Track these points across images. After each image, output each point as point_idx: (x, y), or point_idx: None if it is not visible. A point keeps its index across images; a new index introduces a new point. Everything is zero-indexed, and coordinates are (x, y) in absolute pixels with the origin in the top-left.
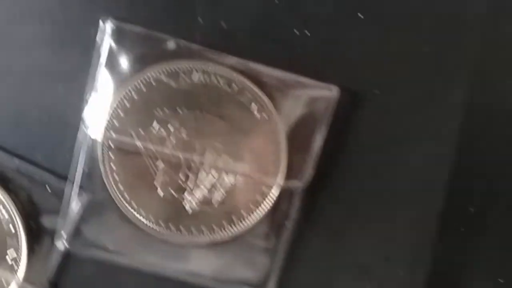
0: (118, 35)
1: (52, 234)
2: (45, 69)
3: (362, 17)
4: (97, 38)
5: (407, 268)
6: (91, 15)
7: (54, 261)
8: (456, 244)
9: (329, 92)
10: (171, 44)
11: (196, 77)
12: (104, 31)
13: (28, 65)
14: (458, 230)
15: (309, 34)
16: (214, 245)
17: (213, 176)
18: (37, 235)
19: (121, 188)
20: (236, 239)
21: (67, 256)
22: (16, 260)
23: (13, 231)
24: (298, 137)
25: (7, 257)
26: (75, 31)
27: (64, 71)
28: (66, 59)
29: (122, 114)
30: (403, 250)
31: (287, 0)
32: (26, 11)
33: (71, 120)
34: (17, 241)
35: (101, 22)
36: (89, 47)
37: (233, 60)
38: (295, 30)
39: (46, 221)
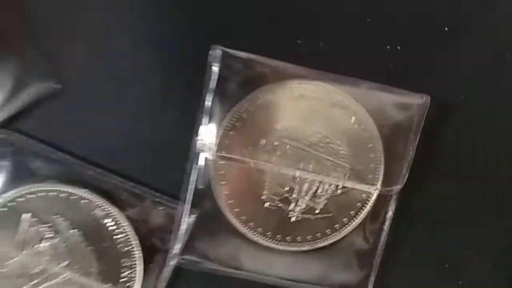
0: (225, 61)
1: (164, 251)
2: (158, 95)
3: (446, 29)
4: (208, 64)
5: (494, 263)
6: (201, 43)
7: (166, 277)
8: None
9: (420, 100)
10: (273, 67)
11: (297, 93)
12: (213, 57)
13: (142, 91)
14: None
15: (399, 48)
16: (316, 251)
17: (316, 186)
18: (150, 254)
19: (231, 202)
20: (335, 244)
21: (178, 272)
22: (130, 280)
23: (128, 251)
24: (393, 145)
25: (122, 276)
26: (186, 59)
27: (176, 96)
28: (177, 85)
29: (232, 133)
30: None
31: (378, 18)
32: (139, 39)
33: (183, 143)
34: (132, 261)
35: (210, 50)
36: (200, 73)
37: (331, 76)
38: (387, 46)
39: (159, 239)
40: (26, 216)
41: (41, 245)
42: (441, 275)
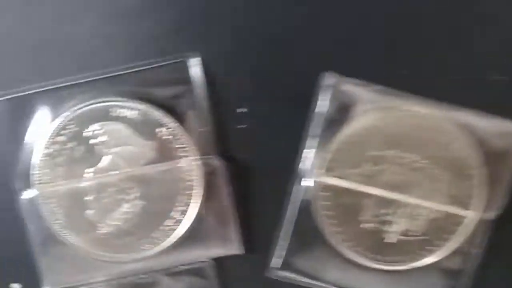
0: (334, 86)
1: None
2: (265, 121)
3: None
4: (319, 90)
5: None
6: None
7: None
8: None
9: None
10: (379, 92)
11: (404, 121)
12: (323, 83)
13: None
14: None
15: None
16: (408, 272)
17: (414, 210)
18: None
19: (333, 222)
20: (428, 266)
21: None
22: None
23: None
24: (493, 172)
25: None
26: (292, 86)
27: (282, 123)
28: (284, 112)
29: (337, 156)
30: None
31: (483, 47)
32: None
33: (287, 165)
34: None
35: (322, 75)
36: (306, 100)
37: (434, 103)
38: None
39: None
40: None
41: None
42: None
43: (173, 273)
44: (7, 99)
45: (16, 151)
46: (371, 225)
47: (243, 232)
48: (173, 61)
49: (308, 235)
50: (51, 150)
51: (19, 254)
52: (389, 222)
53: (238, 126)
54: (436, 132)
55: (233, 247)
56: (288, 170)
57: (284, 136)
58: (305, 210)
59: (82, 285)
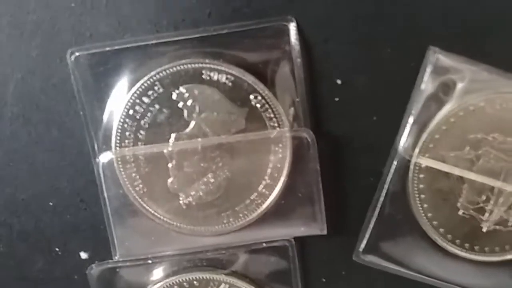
0: (439, 63)
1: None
2: (362, 95)
3: None
4: (423, 66)
5: None
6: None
7: None
8: None
9: None
10: (488, 74)
11: (510, 104)
12: (428, 59)
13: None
14: None
15: None
16: (501, 263)
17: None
18: None
19: (425, 207)
20: None
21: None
22: None
23: None
24: None
25: None
26: (395, 59)
27: (381, 98)
28: (383, 86)
29: (436, 137)
30: None
31: None
32: None
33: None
34: None
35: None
36: (409, 75)
37: None
38: None
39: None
40: None
41: None
42: None
43: (252, 250)
44: (91, 53)
45: (98, 110)
46: (466, 212)
47: (329, 213)
48: (270, 24)
49: (399, 219)
50: (134, 111)
51: (90, 221)
52: (486, 210)
53: (334, 99)
54: None
55: (317, 227)
56: (383, 149)
57: (381, 112)
58: (398, 192)
59: (156, 257)
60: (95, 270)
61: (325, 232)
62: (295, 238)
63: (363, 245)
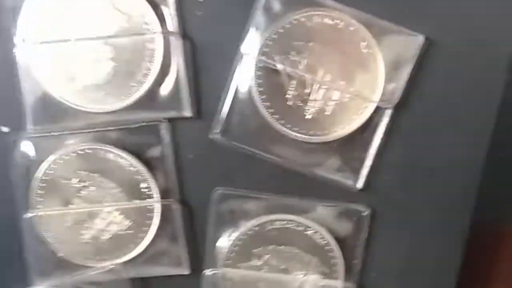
0: None
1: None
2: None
3: None
4: None
5: None
6: None
7: None
8: None
9: (416, 39)
10: None
11: (324, 19)
12: None
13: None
14: None
15: None
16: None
17: (328, 93)
18: None
19: (263, 97)
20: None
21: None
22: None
23: None
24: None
25: None
26: None
27: (229, 13)
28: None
29: (270, 43)
30: None
31: None
32: None
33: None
34: None
35: None
36: None
37: (350, 9)
38: None
39: None
40: None
41: None
42: None
43: (131, 128)
44: None
45: None
46: (294, 102)
47: (194, 98)
48: None
49: (244, 106)
50: None
51: None
52: (308, 101)
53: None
54: (350, 32)
55: (183, 110)
56: (235, 51)
57: (233, 23)
58: (243, 85)
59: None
60: None
61: (191, 114)
62: (169, 120)
63: (216, 127)
